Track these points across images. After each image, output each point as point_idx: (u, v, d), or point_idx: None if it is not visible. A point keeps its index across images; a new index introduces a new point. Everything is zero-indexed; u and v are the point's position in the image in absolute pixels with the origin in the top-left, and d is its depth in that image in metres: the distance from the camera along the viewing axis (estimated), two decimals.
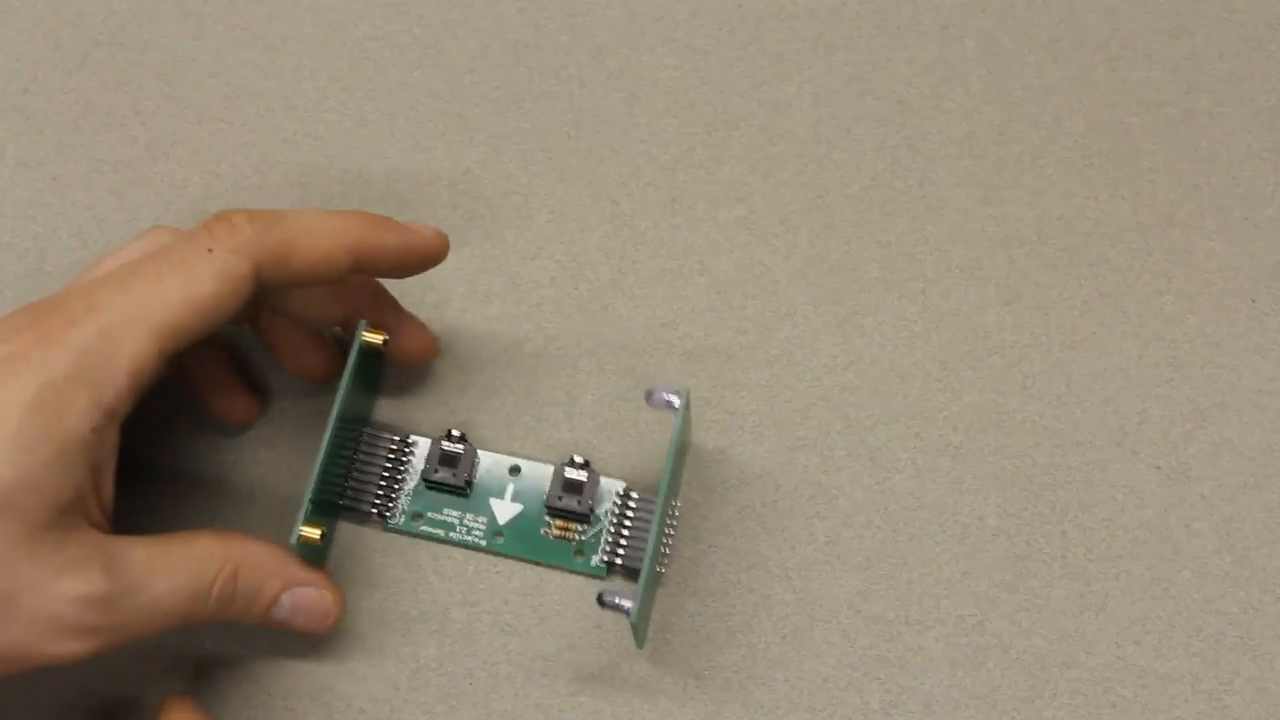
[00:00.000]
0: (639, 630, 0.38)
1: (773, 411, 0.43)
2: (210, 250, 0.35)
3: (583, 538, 0.41)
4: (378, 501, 0.41)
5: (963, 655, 0.40)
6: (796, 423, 0.42)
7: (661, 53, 0.48)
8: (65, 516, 0.33)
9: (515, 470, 0.42)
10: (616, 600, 0.36)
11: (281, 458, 0.42)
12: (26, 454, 0.32)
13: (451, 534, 0.41)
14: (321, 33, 0.48)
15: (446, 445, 0.41)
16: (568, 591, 0.40)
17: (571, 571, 0.41)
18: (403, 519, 0.41)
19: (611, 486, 0.41)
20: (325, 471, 0.38)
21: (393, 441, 0.42)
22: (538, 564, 0.41)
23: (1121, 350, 0.43)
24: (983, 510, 0.41)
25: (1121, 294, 0.44)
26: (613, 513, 0.41)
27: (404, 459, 0.42)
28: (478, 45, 0.48)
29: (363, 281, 0.40)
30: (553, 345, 0.44)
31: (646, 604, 0.38)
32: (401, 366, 0.43)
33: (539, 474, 0.41)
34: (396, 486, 0.41)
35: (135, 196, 0.46)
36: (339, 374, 0.40)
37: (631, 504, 0.41)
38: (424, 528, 0.41)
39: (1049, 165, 0.46)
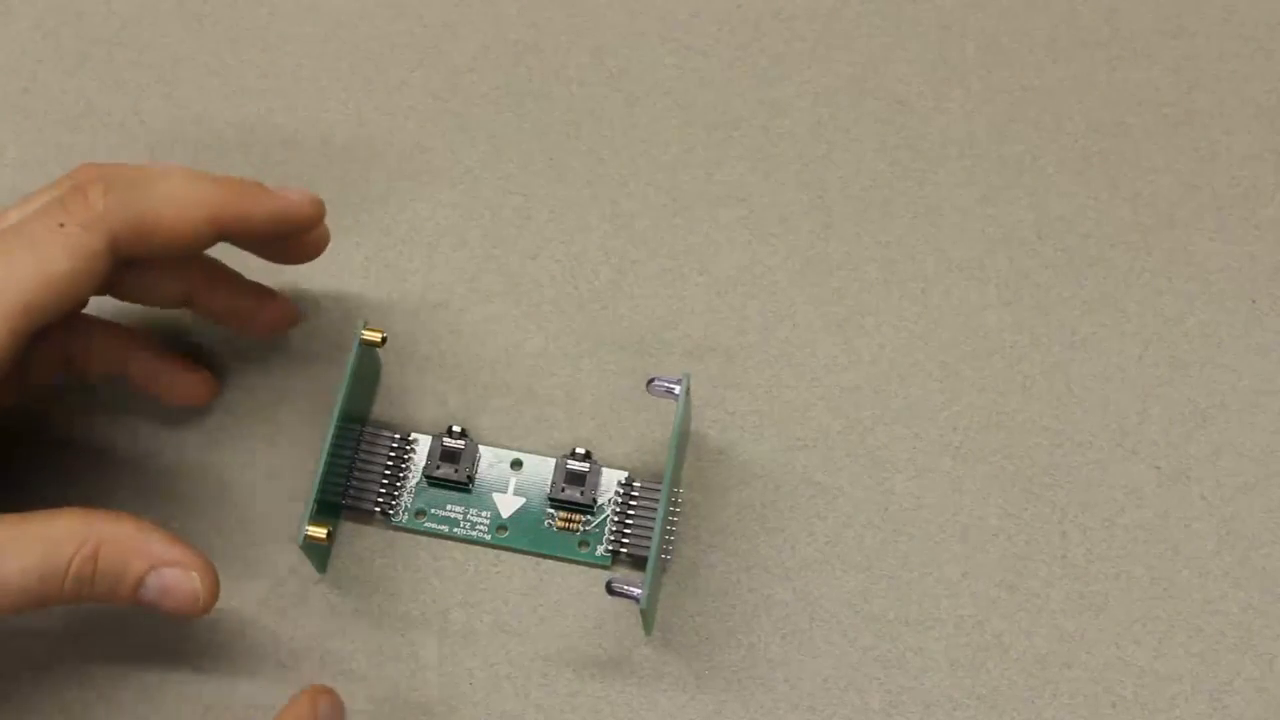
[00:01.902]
0: (648, 617, 0.38)
1: (773, 411, 0.43)
2: (62, 225, 0.34)
3: (586, 529, 0.41)
4: (380, 500, 0.41)
5: (963, 655, 0.40)
6: (796, 423, 0.42)
7: (661, 53, 0.48)
8: None
9: (517, 464, 0.42)
10: (625, 588, 0.36)
11: (281, 457, 0.42)
12: None
13: (455, 530, 0.41)
14: (321, 33, 0.48)
15: (448, 441, 0.41)
16: (567, 592, 0.40)
17: (576, 562, 0.41)
18: (406, 517, 0.41)
19: (613, 477, 0.41)
20: (328, 471, 0.38)
21: (394, 440, 0.42)
22: (542, 556, 0.41)
23: (1121, 350, 0.43)
24: (983, 510, 0.41)
25: (1121, 294, 0.44)
26: (615, 503, 0.41)
27: (405, 457, 0.42)
28: (478, 45, 0.48)
29: (200, 259, 0.40)
30: (553, 345, 0.44)
31: (654, 590, 0.38)
32: (260, 338, 0.43)
33: (541, 467, 0.42)
34: (399, 484, 0.41)
35: None
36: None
37: (634, 493, 0.41)
38: (427, 524, 0.41)
39: (1049, 165, 0.46)
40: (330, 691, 0.37)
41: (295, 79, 0.48)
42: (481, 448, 0.42)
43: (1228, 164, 0.46)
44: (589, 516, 0.41)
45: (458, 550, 0.41)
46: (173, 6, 0.49)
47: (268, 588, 0.41)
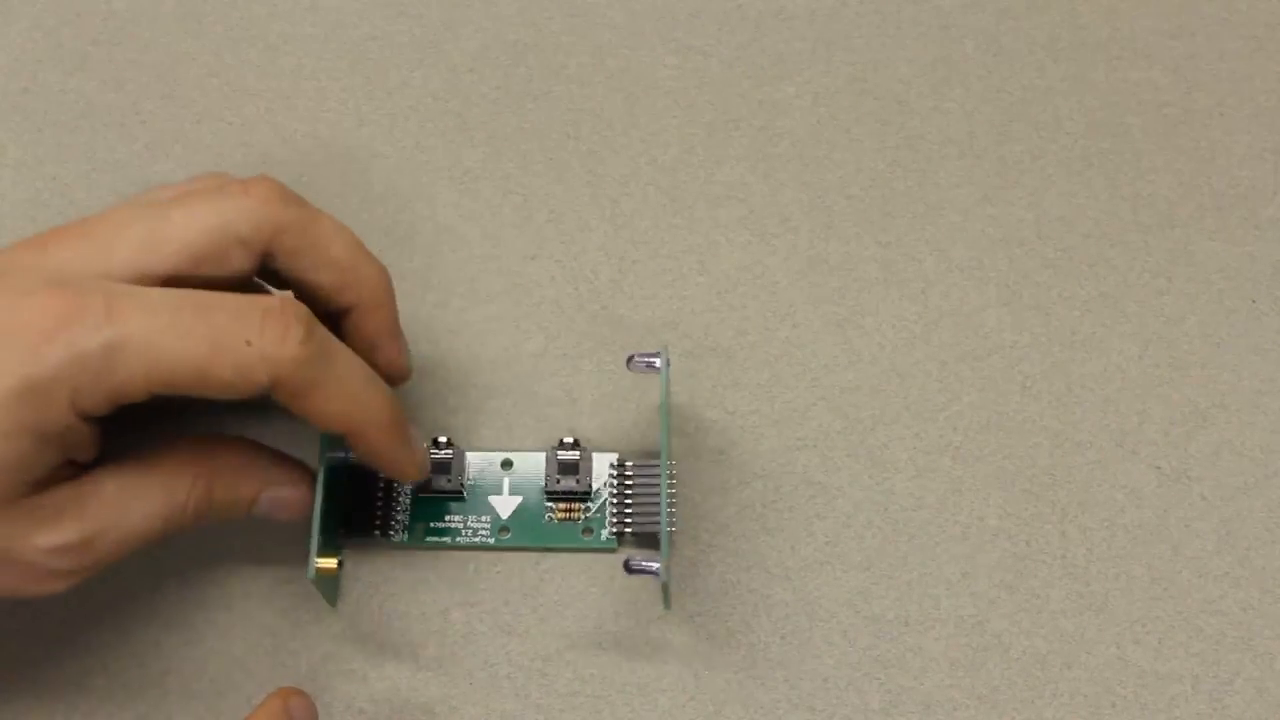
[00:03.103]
0: (667, 591, 0.38)
1: (773, 411, 0.43)
2: (249, 344, 0.34)
3: (588, 515, 0.41)
4: (378, 522, 0.41)
5: (963, 655, 0.40)
6: (796, 423, 0.42)
7: (661, 53, 0.48)
8: (41, 485, 0.34)
9: (507, 464, 0.42)
10: (643, 564, 0.37)
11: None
12: (2, 441, 0.32)
13: (458, 539, 0.41)
14: (321, 33, 0.48)
15: (434, 453, 0.41)
16: (568, 592, 0.40)
17: (583, 550, 0.41)
18: (406, 535, 0.41)
19: (604, 461, 0.41)
20: (326, 501, 0.38)
21: None
22: (549, 550, 0.41)
23: (1121, 350, 0.43)
24: (983, 510, 0.41)
25: (1121, 294, 0.44)
26: (611, 485, 0.41)
27: None
28: (478, 45, 0.48)
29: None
30: (552, 345, 0.44)
31: (668, 563, 0.38)
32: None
33: (532, 463, 0.41)
34: (395, 503, 0.41)
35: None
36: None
37: (628, 473, 0.41)
38: (429, 538, 0.41)
39: (1049, 165, 0.46)
40: (301, 693, 0.37)
41: (295, 79, 0.48)
42: (469, 453, 0.41)
43: (1228, 164, 0.46)
44: (587, 504, 0.41)
45: (457, 550, 0.41)
46: (173, 6, 0.49)
47: (268, 586, 0.40)
